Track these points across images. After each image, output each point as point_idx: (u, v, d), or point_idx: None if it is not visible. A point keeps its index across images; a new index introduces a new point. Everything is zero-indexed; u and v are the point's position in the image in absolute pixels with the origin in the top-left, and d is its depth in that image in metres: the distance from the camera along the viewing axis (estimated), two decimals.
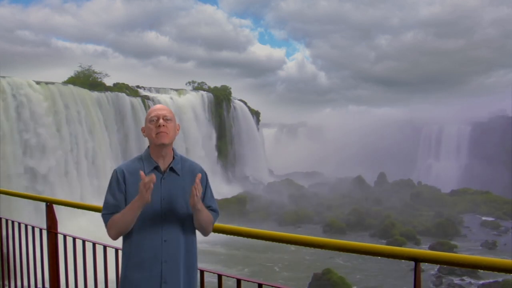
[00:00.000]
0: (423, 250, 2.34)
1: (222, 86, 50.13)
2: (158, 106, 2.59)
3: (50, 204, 3.94)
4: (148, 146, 2.56)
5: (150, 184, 2.27)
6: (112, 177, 2.50)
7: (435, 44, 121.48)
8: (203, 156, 40.43)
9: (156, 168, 2.48)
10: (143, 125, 2.57)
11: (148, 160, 2.50)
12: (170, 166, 2.50)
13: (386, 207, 36.81)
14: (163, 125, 2.46)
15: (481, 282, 21.81)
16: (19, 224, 4.18)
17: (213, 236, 2.83)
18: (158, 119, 2.47)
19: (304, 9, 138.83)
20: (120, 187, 2.46)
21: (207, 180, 2.60)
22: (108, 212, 2.45)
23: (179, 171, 2.52)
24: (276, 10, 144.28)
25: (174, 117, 2.55)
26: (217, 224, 2.74)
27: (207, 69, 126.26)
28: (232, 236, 2.96)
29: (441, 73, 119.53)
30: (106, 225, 2.46)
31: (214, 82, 66.61)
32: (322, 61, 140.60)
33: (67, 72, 37.82)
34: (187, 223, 2.50)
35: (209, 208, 2.56)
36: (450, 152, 56.99)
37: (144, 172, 2.44)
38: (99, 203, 2.86)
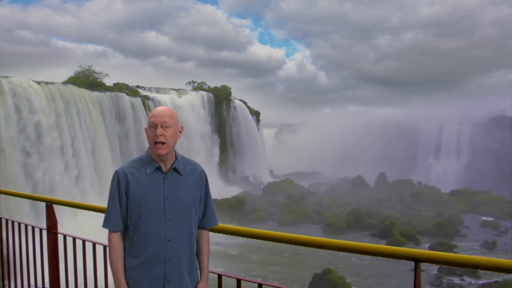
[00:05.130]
0: (423, 250, 2.34)
1: (222, 86, 50.11)
2: (159, 109, 2.49)
3: (50, 204, 3.93)
4: (149, 147, 2.55)
5: None
6: (113, 179, 2.49)
7: (435, 44, 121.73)
8: (203, 156, 40.42)
9: (158, 168, 2.48)
10: (143, 125, 2.58)
11: (150, 161, 2.49)
12: (173, 166, 2.50)
13: (386, 207, 36.81)
14: (161, 135, 2.41)
15: (481, 282, 21.81)
16: (19, 224, 4.18)
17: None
18: (157, 126, 2.42)
19: (304, 9, 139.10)
20: (121, 190, 2.46)
21: (206, 181, 2.62)
22: (106, 226, 2.50)
23: (182, 171, 2.52)
24: (276, 10, 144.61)
25: (176, 121, 2.48)
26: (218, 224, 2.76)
27: (207, 69, 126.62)
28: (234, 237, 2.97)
29: (441, 73, 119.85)
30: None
31: (214, 82, 66.81)
32: (322, 61, 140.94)
33: (67, 72, 37.82)
34: (190, 223, 2.52)
35: (209, 228, 2.67)
36: (450, 152, 56.98)
37: (146, 173, 2.46)
38: (100, 203, 2.86)
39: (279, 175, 51.35)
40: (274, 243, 2.77)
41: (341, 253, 2.62)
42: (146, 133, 2.50)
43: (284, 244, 2.75)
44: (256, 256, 25.78)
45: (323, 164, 55.49)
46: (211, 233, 2.74)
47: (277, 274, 23.24)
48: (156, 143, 2.42)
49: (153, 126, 2.43)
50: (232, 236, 2.94)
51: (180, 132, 2.52)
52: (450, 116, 58.75)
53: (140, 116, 34.95)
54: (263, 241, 2.83)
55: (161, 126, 2.41)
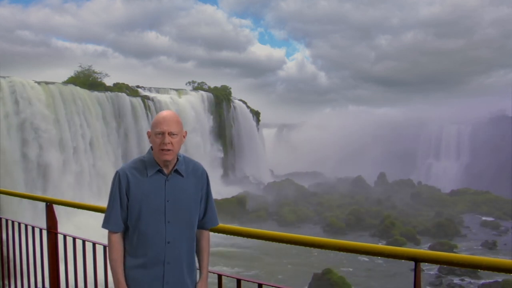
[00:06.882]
0: (423, 250, 2.33)
1: (222, 86, 50.13)
2: (165, 116, 2.49)
3: (50, 204, 3.93)
4: (151, 147, 2.54)
5: None
6: (114, 179, 2.49)
7: (435, 44, 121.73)
8: (203, 156, 40.41)
9: (160, 170, 2.48)
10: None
11: (152, 163, 2.49)
12: (175, 168, 2.50)
13: (386, 207, 36.79)
14: (169, 143, 2.42)
15: (481, 282, 21.79)
16: (19, 224, 4.18)
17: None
18: (164, 134, 2.43)
19: (304, 9, 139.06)
20: (122, 190, 2.46)
21: (207, 180, 2.63)
22: (107, 227, 2.50)
23: (183, 172, 2.52)
24: (276, 10, 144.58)
25: (181, 128, 2.50)
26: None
27: (207, 69, 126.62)
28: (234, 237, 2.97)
29: (441, 73, 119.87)
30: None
31: (214, 82, 66.83)
32: (322, 61, 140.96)
33: (67, 72, 37.80)
34: (190, 225, 2.52)
35: (210, 228, 2.67)
36: (450, 152, 56.96)
37: (147, 175, 2.46)
38: (100, 203, 2.86)
39: (279, 175, 51.34)
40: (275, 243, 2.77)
41: (341, 253, 2.62)
42: (149, 137, 2.50)
43: (284, 244, 2.75)
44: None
45: (323, 164, 55.49)
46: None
47: (277, 273, 23.19)
48: (162, 149, 2.43)
49: (160, 133, 2.44)
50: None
51: (184, 137, 2.54)
52: (450, 116, 58.78)
53: (140, 116, 34.92)
54: (266, 242, 2.82)
55: (168, 134, 2.43)
